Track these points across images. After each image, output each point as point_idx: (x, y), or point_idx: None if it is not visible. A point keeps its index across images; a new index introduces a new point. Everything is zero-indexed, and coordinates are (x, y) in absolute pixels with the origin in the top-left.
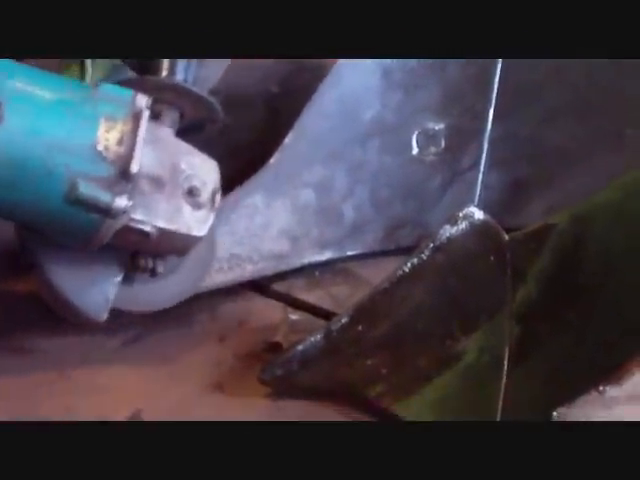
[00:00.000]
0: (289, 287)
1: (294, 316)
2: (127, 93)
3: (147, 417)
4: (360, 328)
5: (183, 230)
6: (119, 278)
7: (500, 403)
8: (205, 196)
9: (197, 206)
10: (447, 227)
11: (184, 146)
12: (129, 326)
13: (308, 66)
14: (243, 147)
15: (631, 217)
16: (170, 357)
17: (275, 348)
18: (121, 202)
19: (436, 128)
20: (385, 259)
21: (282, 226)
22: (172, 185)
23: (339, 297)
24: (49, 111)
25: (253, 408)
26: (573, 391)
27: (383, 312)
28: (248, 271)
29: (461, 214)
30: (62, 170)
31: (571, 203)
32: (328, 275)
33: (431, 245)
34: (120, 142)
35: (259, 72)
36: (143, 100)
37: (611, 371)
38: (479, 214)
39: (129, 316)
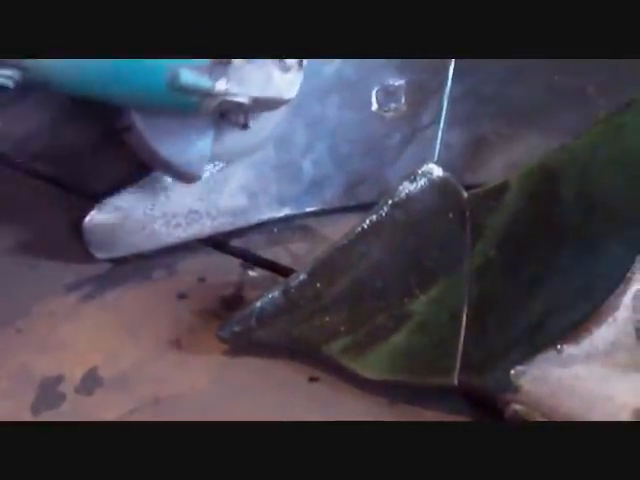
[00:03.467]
0: (247, 243)
1: (252, 273)
2: None
3: (103, 374)
4: (318, 285)
5: (275, 95)
6: (212, 134)
7: (458, 361)
8: (292, 59)
9: (285, 69)
10: (406, 184)
11: None
12: (86, 282)
13: None
14: None
15: (598, 172)
16: (128, 314)
17: (233, 305)
18: (221, 85)
19: (396, 84)
20: (344, 215)
21: (241, 182)
22: None
23: (298, 254)
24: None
25: (210, 365)
26: (531, 349)
27: (341, 269)
28: (207, 227)
29: (420, 171)
30: (162, 63)
31: (531, 160)
32: (287, 232)
33: (390, 202)
34: None
35: None
36: None
37: (569, 330)
38: (438, 171)
39: (86, 272)
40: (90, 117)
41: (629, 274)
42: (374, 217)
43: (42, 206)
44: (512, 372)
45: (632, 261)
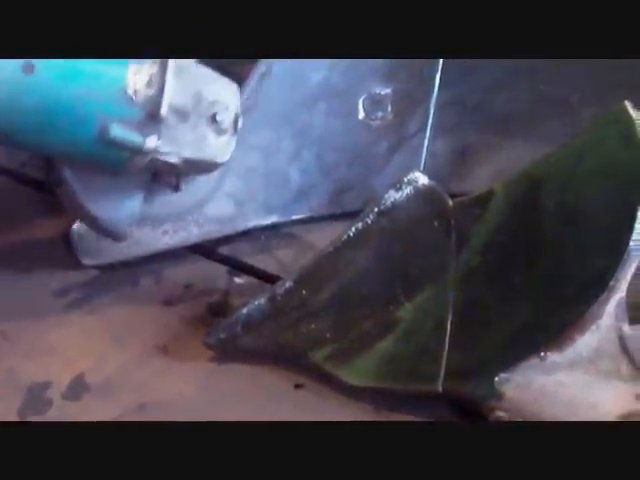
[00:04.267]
0: (234, 251)
1: (239, 280)
2: None
3: (90, 380)
4: (304, 292)
5: (208, 158)
6: (142, 194)
7: (442, 368)
8: (228, 121)
9: (220, 132)
10: (392, 192)
11: (205, 72)
12: (73, 289)
13: None
14: None
15: (581, 182)
16: (115, 320)
17: (220, 312)
18: (151, 142)
19: (383, 93)
20: (331, 223)
21: (228, 189)
22: (196, 114)
23: (284, 261)
24: (78, 59)
25: (197, 371)
26: (514, 357)
27: (328, 276)
28: (194, 234)
29: (406, 179)
30: (94, 115)
31: (516, 169)
32: (273, 239)
33: (376, 210)
34: (149, 84)
35: None
36: None
37: (552, 337)
38: (424, 179)
39: (74, 278)
40: None
41: (612, 282)
42: (360, 225)
43: (30, 212)
44: (496, 379)
45: (615, 270)
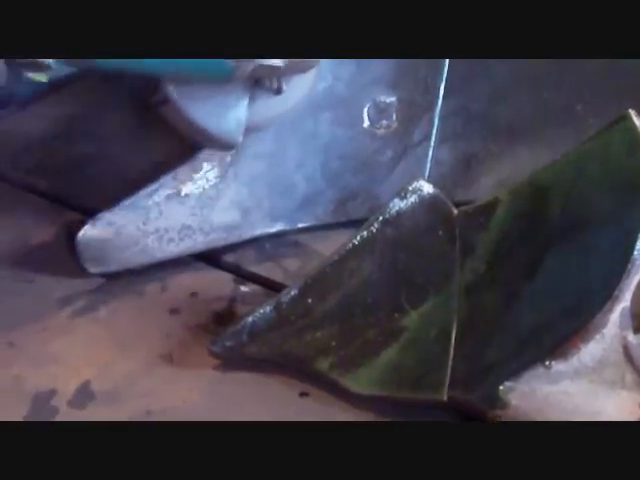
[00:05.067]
0: (239, 259)
1: (244, 288)
2: None
3: (96, 388)
4: (310, 300)
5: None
6: (247, 100)
7: (447, 377)
8: None
9: None
10: (396, 201)
11: None
12: (79, 297)
13: None
14: None
15: (585, 189)
16: (120, 328)
17: (225, 320)
18: None
19: (388, 101)
20: (336, 231)
21: (233, 197)
22: None
23: (289, 269)
24: None
25: (202, 379)
26: (519, 365)
27: (333, 285)
28: (199, 242)
29: (410, 188)
30: None
31: (521, 177)
32: (279, 247)
33: (380, 218)
34: None
35: None
36: None
37: (557, 346)
38: (428, 188)
39: (79, 286)
40: (84, 132)
41: (616, 292)
42: (365, 233)
43: (36, 220)
44: (501, 388)
45: (619, 278)
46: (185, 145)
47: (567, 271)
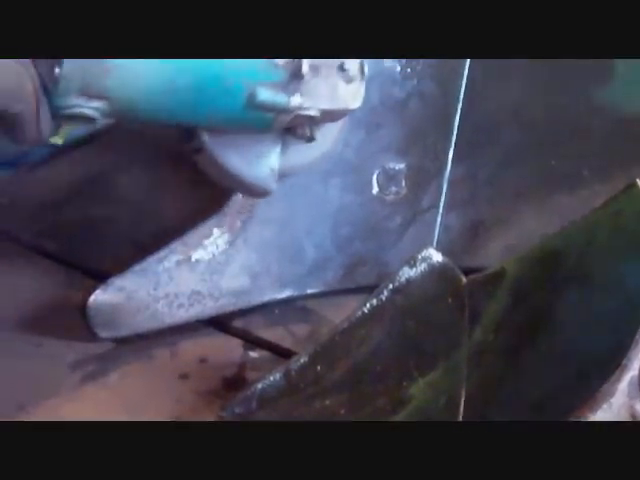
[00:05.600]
0: (249, 324)
1: (254, 354)
2: None
3: None
4: (319, 368)
5: (342, 106)
6: (279, 148)
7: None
8: (354, 68)
9: (349, 80)
10: (406, 269)
11: None
12: (89, 361)
13: None
14: (205, 181)
15: (595, 256)
16: (130, 393)
17: (235, 385)
18: (296, 100)
19: (397, 168)
20: (345, 297)
21: (243, 263)
22: (326, 66)
23: (298, 335)
24: None
25: None
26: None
27: (342, 352)
28: (209, 307)
29: (420, 256)
30: (241, 83)
31: (529, 243)
32: (288, 313)
33: (390, 286)
34: None
35: None
36: None
37: (564, 416)
38: (437, 256)
39: (89, 351)
40: (95, 195)
41: (625, 361)
42: (374, 301)
43: (46, 284)
44: None
45: (628, 348)
46: (196, 209)
47: (575, 340)
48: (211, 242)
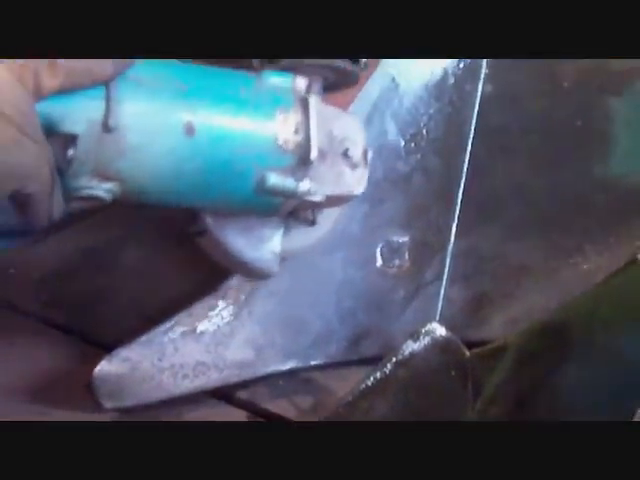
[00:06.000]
0: (253, 396)
1: None
2: (287, 78)
3: None
4: None
5: (347, 192)
6: (282, 231)
7: None
8: (358, 155)
9: (353, 166)
10: (410, 342)
11: (332, 110)
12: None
13: None
14: None
15: (602, 326)
16: None
17: None
18: (304, 186)
19: (400, 241)
20: (349, 369)
21: (247, 334)
22: (332, 153)
23: (303, 407)
24: (231, 116)
25: None
26: None
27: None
28: (213, 379)
29: (423, 330)
30: (250, 167)
31: (532, 317)
32: (292, 384)
33: (394, 360)
34: (296, 132)
35: None
36: (303, 83)
37: None
38: (441, 330)
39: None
40: (101, 266)
41: None
42: (378, 374)
43: (52, 354)
44: None
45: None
46: (201, 281)
47: (572, 407)
48: (216, 314)
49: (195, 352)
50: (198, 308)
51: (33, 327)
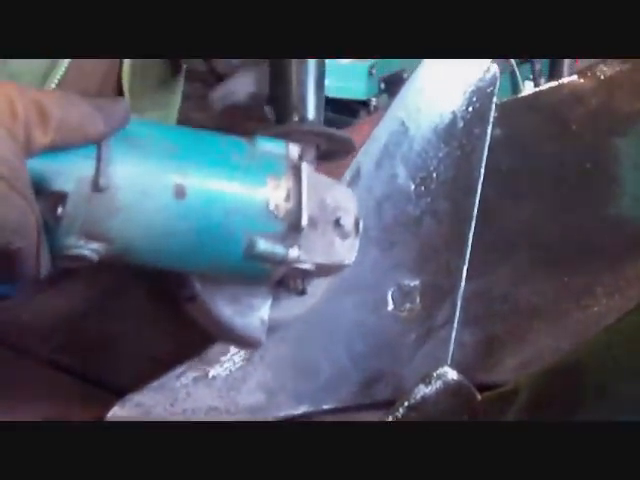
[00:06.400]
0: None
1: None
2: (280, 145)
3: None
4: None
5: (337, 262)
6: (270, 299)
7: None
8: (350, 224)
9: (344, 236)
10: (421, 386)
11: (324, 180)
12: None
13: None
14: None
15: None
16: None
17: None
18: (294, 253)
19: (411, 284)
20: (360, 413)
21: (259, 379)
22: (323, 221)
23: None
24: (222, 180)
25: None
26: None
27: None
28: None
29: (435, 374)
30: (240, 232)
31: (543, 360)
32: None
33: (405, 404)
34: (287, 198)
35: None
36: (295, 150)
37: None
38: (452, 374)
39: None
40: (112, 311)
41: None
42: (390, 418)
43: (64, 399)
44: None
45: None
46: None
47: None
48: (228, 359)
49: (207, 397)
50: (210, 353)
51: (45, 373)
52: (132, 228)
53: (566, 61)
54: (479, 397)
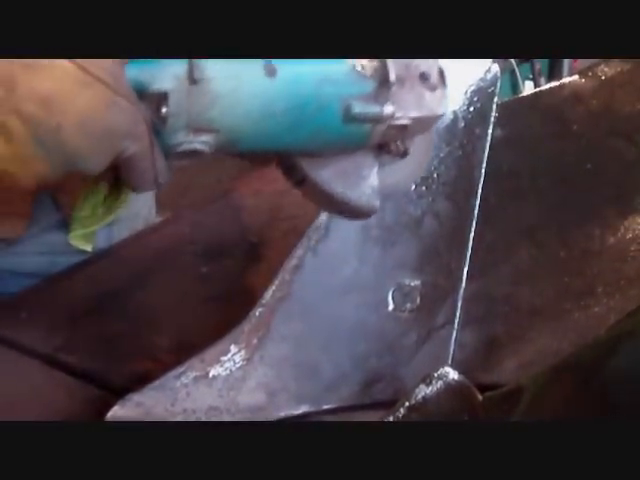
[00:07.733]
0: None
1: None
2: None
3: None
4: None
5: (430, 113)
6: (376, 168)
7: None
8: (435, 77)
9: (432, 88)
10: (422, 387)
11: None
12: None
13: (284, 216)
14: (222, 297)
15: (610, 377)
16: None
17: None
18: (389, 108)
19: (412, 284)
20: (361, 413)
21: (260, 379)
22: (409, 77)
23: None
24: None
25: None
26: None
27: None
28: None
29: (436, 374)
30: (334, 99)
31: (544, 360)
32: None
33: (406, 404)
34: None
35: (237, 223)
36: None
37: None
38: (454, 374)
39: None
40: (114, 309)
41: None
42: (390, 419)
43: (64, 398)
44: None
45: None
46: (213, 326)
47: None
48: (228, 359)
49: (207, 397)
50: (210, 353)
51: (45, 371)
52: (233, 114)
53: (566, 61)
54: (480, 397)
